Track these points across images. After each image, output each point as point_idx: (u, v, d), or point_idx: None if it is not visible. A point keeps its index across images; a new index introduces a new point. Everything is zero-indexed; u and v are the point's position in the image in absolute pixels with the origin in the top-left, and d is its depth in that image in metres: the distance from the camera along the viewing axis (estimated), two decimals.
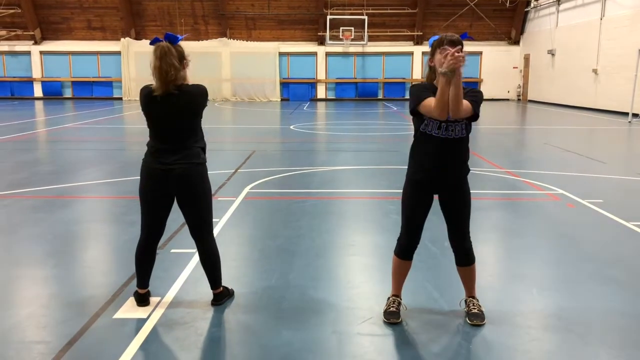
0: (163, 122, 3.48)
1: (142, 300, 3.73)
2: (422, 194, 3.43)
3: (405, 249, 3.54)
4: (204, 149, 3.62)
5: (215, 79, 27.95)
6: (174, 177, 3.48)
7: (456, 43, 3.21)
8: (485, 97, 29.45)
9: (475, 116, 3.25)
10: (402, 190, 3.53)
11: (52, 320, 3.60)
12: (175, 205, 3.68)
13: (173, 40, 3.44)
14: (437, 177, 3.37)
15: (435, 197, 3.47)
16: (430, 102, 3.17)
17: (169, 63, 3.36)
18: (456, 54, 3.02)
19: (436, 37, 3.32)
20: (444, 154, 3.31)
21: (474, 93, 3.27)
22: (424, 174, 3.39)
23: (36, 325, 3.51)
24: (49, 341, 3.29)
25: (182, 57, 3.45)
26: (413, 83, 28.31)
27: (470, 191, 3.49)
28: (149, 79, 3.49)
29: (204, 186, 3.60)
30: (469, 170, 3.46)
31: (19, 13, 27.77)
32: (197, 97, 3.51)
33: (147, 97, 3.47)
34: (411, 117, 3.41)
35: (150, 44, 3.47)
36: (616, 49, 19.88)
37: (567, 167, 9.23)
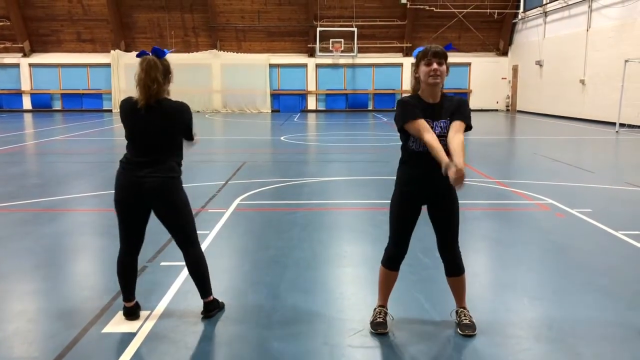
0: (141, 134, 3.47)
1: (131, 313, 3.69)
2: (410, 204, 3.43)
3: (393, 259, 3.54)
4: (178, 164, 3.59)
5: (205, 91, 27.97)
6: (147, 190, 3.45)
7: (440, 54, 3.26)
8: (474, 108, 29.25)
9: (468, 128, 3.31)
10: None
11: (40, 335, 3.55)
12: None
13: (160, 54, 3.46)
14: (425, 188, 3.38)
15: (424, 208, 3.48)
16: (418, 125, 3.21)
17: (153, 77, 3.38)
18: (456, 176, 2.98)
19: (421, 48, 3.35)
20: (433, 166, 3.31)
21: (462, 111, 3.31)
22: (412, 185, 3.40)
23: (23, 341, 3.46)
24: (36, 356, 3.25)
25: (167, 72, 3.47)
26: (402, 96, 28.48)
27: (460, 201, 3.50)
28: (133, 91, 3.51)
29: (179, 198, 3.56)
30: None
31: (8, 26, 27.65)
32: (176, 114, 3.50)
33: (129, 109, 3.47)
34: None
35: (137, 56, 3.48)
36: (603, 59, 20.13)
37: (556, 176, 9.29)
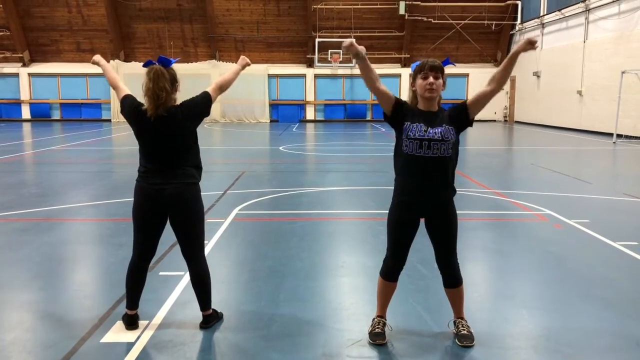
0: (156, 143, 3.50)
1: (131, 322, 3.69)
2: (408, 215, 3.44)
3: (391, 270, 3.55)
4: (197, 168, 3.62)
5: None
6: (167, 196, 3.48)
7: (437, 68, 3.30)
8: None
9: (469, 122, 3.47)
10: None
11: (38, 344, 3.54)
12: (165, 227, 3.67)
13: (166, 63, 3.49)
14: (423, 198, 3.39)
15: (422, 219, 3.49)
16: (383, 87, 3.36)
17: (161, 86, 3.40)
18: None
19: (418, 62, 3.40)
20: (428, 174, 3.33)
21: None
22: (409, 195, 3.41)
23: (21, 350, 3.45)
24: None
25: (174, 80, 3.50)
26: None
27: (458, 212, 3.51)
28: (139, 99, 3.53)
29: (197, 205, 3.60)
30: (455, 191, 3.48)
31: (7, 35, 27.77)
32: (189, 112, 3.54)
33: (137, 117, 3.49)
34: (395, 137, 3.43)
35: (144, 66, 3.51)
36: (600, 71, 20.25)
37: (554, 187, 9.32)
